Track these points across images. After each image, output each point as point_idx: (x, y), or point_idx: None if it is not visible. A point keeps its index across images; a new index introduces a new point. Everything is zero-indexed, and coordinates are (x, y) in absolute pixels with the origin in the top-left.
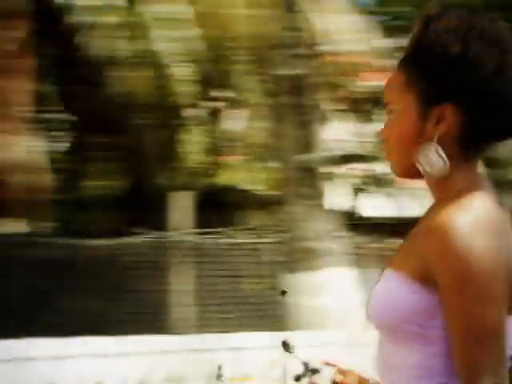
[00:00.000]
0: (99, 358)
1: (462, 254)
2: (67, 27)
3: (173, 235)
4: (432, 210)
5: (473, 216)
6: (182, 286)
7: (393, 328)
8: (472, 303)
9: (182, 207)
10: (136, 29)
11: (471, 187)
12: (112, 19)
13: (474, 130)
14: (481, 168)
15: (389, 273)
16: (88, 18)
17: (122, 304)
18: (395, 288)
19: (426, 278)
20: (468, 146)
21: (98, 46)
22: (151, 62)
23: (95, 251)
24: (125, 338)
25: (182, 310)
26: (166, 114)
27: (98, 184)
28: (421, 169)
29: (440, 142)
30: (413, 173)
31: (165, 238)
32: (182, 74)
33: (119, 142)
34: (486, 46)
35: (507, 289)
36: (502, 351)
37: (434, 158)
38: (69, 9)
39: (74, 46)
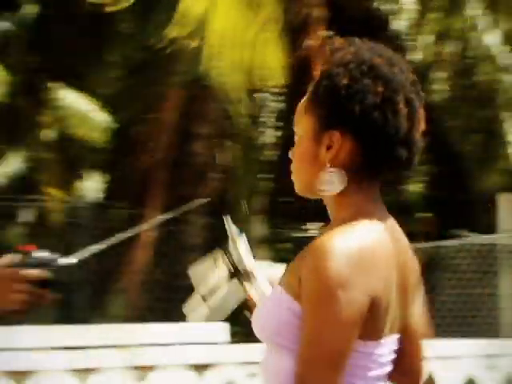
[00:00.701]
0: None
1: (322, 276)
2: (387, 33)
3: (500, 238)
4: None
5: (347, 242)
6: (510, 289)
7: (268, 339)
8: (319, 323)
9: (508, 209)
10: (460, 33)
11: (360, 212)
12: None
13: (361, 157)
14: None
15: (276, 288)
16: (407, 22)
17: (444, 307)
18: (273, 303)
19: (299, 295)
20: (359, 172)
21: (420, 50)
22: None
23: (420, 254)
24: (449, 341)
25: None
26: (486, 117)
27: (419, 187)
28: (316, 189)
29: (332, 166)
30: (311, 192)
31: (491, 240)
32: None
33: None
34: (371, 82)
35: (373, 316)
36: (333, 377)
37: (325, 181)
38: (389, 14)
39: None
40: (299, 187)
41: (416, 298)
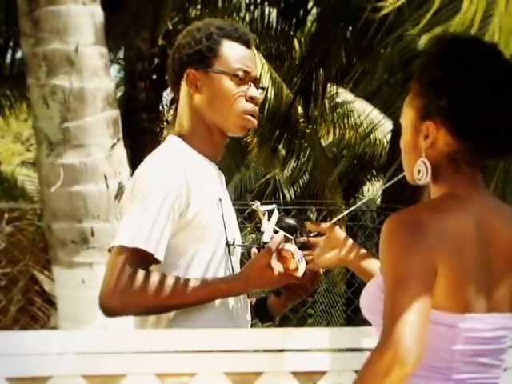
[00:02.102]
0: None
1: (384, 247)
2: None
3: None
4: None
5: (408, 216)
6: None
7: (367, 317)
8: (390, 287)
9: None
10: None
11: (449, 195)
12: None
13: (456, 146)
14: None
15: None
16: None
17: None
18: (372, 282)
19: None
20: (456, 160)
21: None
22: None
23: None
24: None
25: None
26: None
27: None
28: (415, 176)
29: (429, 154)
30: (416, 180)
31: None
32: None
33: None
34: (463, 74)
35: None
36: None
37: (419, 168)
38: None
39: None
40: (407, 176)
41: None
